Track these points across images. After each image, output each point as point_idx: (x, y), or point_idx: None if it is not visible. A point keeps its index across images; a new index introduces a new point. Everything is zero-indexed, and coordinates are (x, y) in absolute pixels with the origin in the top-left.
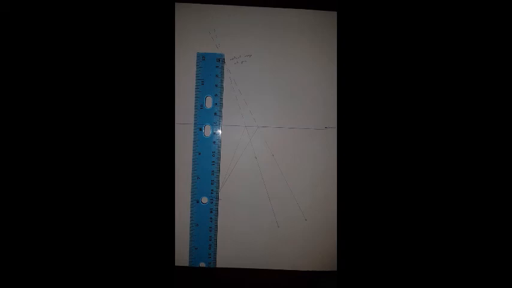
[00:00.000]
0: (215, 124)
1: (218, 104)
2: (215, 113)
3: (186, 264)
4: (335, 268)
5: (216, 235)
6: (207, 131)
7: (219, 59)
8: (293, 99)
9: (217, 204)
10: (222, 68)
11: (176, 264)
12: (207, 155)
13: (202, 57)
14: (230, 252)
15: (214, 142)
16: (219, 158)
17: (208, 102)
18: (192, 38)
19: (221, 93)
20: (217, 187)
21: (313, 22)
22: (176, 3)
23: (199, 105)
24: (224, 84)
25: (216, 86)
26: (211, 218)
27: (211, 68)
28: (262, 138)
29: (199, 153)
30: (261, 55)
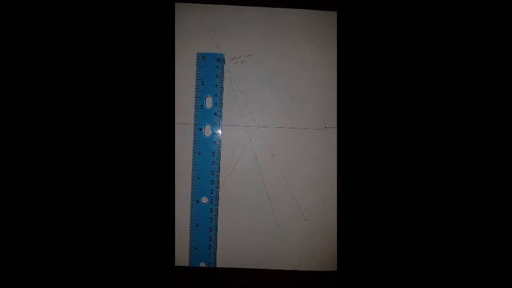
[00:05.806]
0: (215, 124)
1: (218, 104)
2: (215, 113)
3: (186, 264)
4: (335, 268)
5: (216, 235)
6: (207, 131)
7: (219, 59)
8: (293, 99)
9: (217, 204)
10: (222, 68)
11: (176, 264)
12: (207, 155)
13: (202, 57)
14: (230, 252)
15: (214, 142)
16: (219, 158)
17: (208, 102)
18: (192, 38)
19: (221, 93)
20: (217, 187)
21: (313, 22)
22: (176, 3)
23: (199, 105)
24: (224, 84)
25: (216, 86)
26: (211, 218)
27: (211, 68)
28: (262, 138)
29: (199, 153)
30: (261, 55)
